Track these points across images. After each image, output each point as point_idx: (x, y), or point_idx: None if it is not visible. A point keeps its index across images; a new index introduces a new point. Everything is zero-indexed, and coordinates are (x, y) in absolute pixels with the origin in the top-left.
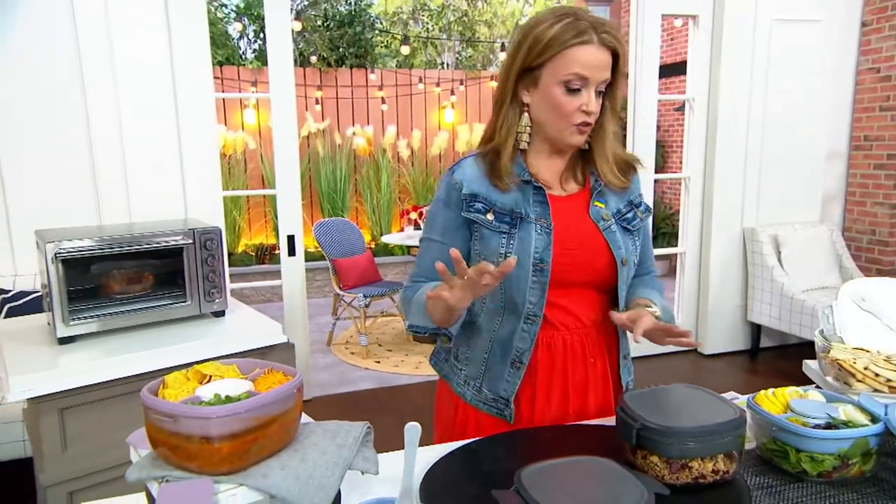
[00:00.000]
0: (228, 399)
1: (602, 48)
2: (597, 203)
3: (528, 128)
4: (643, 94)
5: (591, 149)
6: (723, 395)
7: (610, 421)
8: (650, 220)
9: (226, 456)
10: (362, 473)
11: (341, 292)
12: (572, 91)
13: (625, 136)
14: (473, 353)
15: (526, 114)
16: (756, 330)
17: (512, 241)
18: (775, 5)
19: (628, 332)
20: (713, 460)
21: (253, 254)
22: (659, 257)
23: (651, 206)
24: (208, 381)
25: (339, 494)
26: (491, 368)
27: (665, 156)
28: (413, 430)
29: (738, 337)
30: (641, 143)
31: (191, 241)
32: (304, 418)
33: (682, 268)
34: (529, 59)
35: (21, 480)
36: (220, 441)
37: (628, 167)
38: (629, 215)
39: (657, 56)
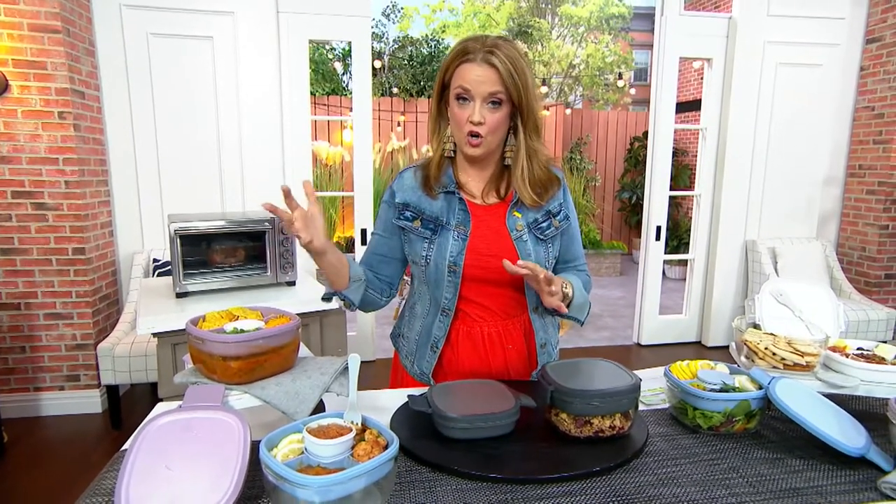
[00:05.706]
0: (241, 331)
1: (484, 65)
2: (514, 213)
3: (450, 138)
4: (662, 123)
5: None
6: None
7: None
8: (576, 223)
9: (236, 371)
10: (337, 395)
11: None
12: (462, 104)
13: (645, 157)
14: (410, 335)
15: (449, 127)
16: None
17: (432, 246)
18: (781, 52)
19: (546, 319)
20: (611, 418)
21: (343, 243)
22: (675, 262)
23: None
24: (236, 320)
25: (322, 405)
26: (419, 349)
27: (691, 178)
28: (354, 359)
29: None
30: (659, 165)
31: (271, 227)
32: (305, 352)
33: (692, 272)
34: (440, 80)
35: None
36: (232, 360)
37: (547, 185)
38: (544, 224)
39: (674, 92)
